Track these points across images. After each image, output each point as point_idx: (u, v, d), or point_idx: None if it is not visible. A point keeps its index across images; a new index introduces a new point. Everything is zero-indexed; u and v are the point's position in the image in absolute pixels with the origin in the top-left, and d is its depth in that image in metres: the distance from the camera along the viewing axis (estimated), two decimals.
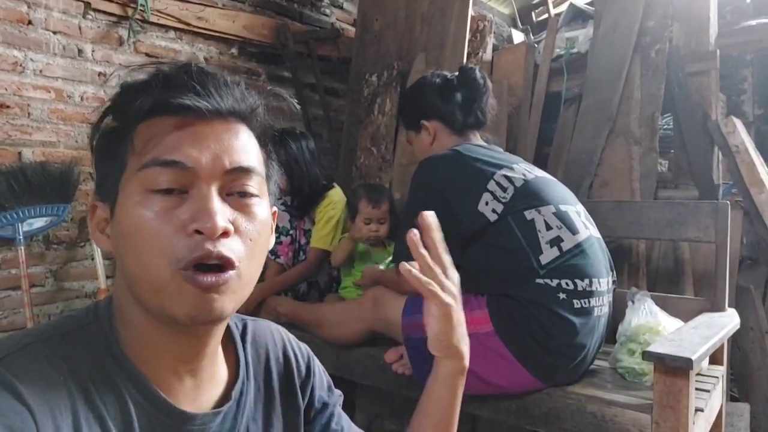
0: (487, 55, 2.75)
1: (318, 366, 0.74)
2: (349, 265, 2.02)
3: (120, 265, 0.55)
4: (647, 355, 1.07)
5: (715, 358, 1.44)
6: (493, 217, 1.31)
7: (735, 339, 1.81)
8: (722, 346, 1.44)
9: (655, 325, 1.32)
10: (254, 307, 1.92)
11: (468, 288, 1.38)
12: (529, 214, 1.31)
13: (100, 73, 2.23)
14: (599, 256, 1.33)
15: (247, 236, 0.54)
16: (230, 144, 0.54)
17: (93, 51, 2.21)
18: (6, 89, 1.98)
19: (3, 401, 0.46)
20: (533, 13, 4.45)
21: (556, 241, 1.29)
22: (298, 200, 2.09)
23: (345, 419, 0.76)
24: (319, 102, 3.02)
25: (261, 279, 2.10)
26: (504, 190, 1.34)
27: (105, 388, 0.52)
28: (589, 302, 1.26)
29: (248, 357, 0.67)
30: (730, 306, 1.55)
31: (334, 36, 3.11)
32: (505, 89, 2.48)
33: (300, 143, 2.09)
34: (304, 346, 0.75)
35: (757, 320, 1.78)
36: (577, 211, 1.38)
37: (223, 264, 0.51)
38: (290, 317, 1.82)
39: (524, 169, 1.40)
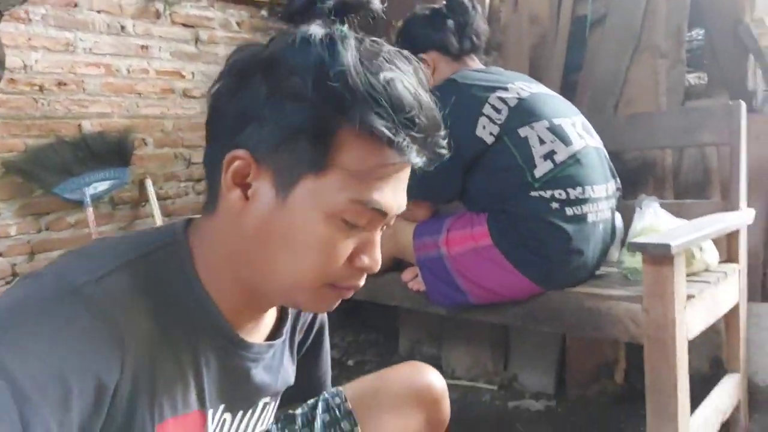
0: None
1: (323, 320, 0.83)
2: None
3: (251, 238, 0.55)
4: (631, 247, 1.12)
5: (730, 256, 1.45)
6: (490, 140, 1.37)
7: None
8: (736, 244, 1.44)
9: (657, 226, 1.34)
10: None
11: (471, 208, 1.47)
12: (523, 132, 1.36)
13: (142, 46, 2.43)
14: (595, 164, 1.37)
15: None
16: (405, 187, 0.59)
17: (134, 26, 2.41)
18: (62, 68, 2.23)
19: (100, 333, 0.48)
20: None
21: (549, 155, 1.33)
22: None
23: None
24: None
25: None
26: (498, 111, 1.38)
27: (177, 313, 0.55)
28: (581, 209, 1.30)
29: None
30: (755, 207, 1.53)
31: None
32: (525, 19, 2.45)
33: None
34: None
35: None
36: (572, 122, 1.41)
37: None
38: None
39: (519, 87, 1.44)
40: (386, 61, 0.53)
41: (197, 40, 2.60)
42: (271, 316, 0.68)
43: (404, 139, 0.51)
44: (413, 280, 1.57)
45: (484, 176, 1.40)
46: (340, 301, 0.60)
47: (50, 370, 0.44)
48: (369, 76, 0.50)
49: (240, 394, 0.64)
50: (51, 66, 2.19)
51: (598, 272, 1.44)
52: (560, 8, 2.49)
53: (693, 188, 1.89)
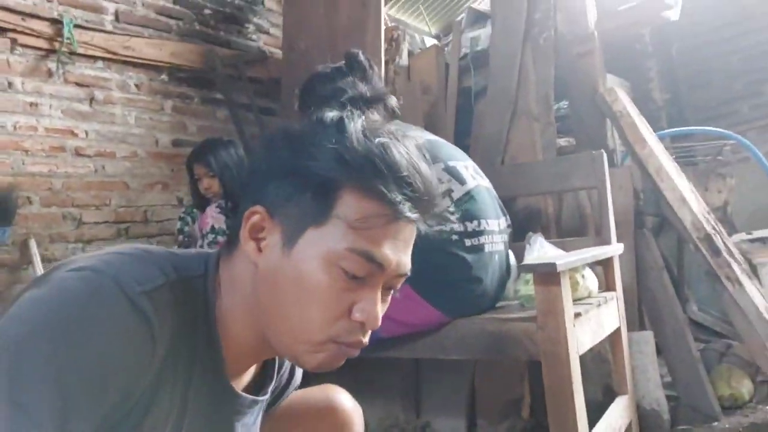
0: (404, 60, 2.98)
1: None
2: None
3: (264, 290, 0.59)
4: (523, 268, 1.24)
5: (608, 285, 1.63)
6: None
7: (641, 279, 2.01)
8: (612, 273, 1.63)
9: (544, 255, 1.49)
10: None
11: None
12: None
13: (31, 103, 2.33)
14: (487, 201, 1.51)
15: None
16: (409, 250, 0.62)
17: (23, 83, 2.31)
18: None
19: (140, 331, 0.52)
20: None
21: (446, 193, 1.46)
22: (233, 202, 2.22)
23: None
24: (254, 121, 3.17)
25: None
26: None
27: (187, 346, 0.58)
28: (479, 240, 1.42)
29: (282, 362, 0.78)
30: (624, 244, 1.74)
31: (261, 58, 3.30)
32: (417, 88, 2.70)
33: (228, 150, 2.24)
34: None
35: (653, 259, 1.99)
36: (465, 165, 1.56)
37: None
38: None
39: (415, 135, 1.57)
40: (387, 133, 0.61)
41: (92, 99, 2.54)
42: (251, 370, 0.70)
43: (397, 196, 0.57)
44: None
45: None
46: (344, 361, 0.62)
47: (98, 371, 0.48)
48: (368, 142, 0.58)
49: None
50: None
51: (497, 304, 1.55)
52: (448, 80, 2.78)
53: (573, 231, 2.12)
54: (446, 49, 2.92)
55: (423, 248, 1.41)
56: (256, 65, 3.25)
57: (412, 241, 0.62)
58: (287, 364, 0.80)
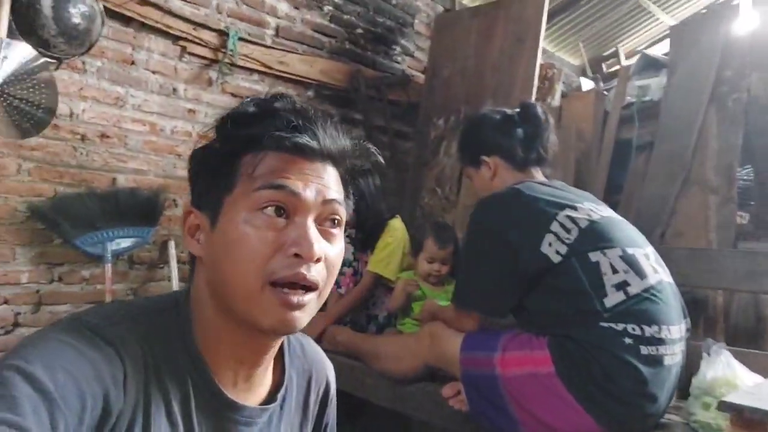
0: (556, 101, 2.78)
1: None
2: (408, 307, 2.03)
3: (210, 270, 0.62)
4: (723, 406, 1.01)
5: None
6: (556, 259, 1.30)
7: None
8: None
9: (732, 378, 1.24)
10: (315, 337, 1.97)
11: (529, 328, 1.37)
12: (594, 256, 1.29)
13: (189, 110, 2.43)
14: (671, 302, 1.28)
15: (330, 263, 0.61)
16: (327, 181, 0.62)
17: (185, 90, 2.42)
18: (107, 121, 2.20)
19: (105, 350, 0.55)
20: (603, 65, 4.45)
21: (622, 285, 1.25)
22: (362, 233, 2.15)
23: None
24: (387, 144, 3.12)
25: (322, 309, 2.15)
26: (568, 231, 1.32)
27: (172, 370, 0.60)
28: (658, 350, 1.21)
29: (294, 368, 0.74)
30: None
31: (404, 82, 3.24)
32: (573, 134, 2.48)
33: (367, 179, 2.17)
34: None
35: None
36: (645, 254, 1.34)
37: (309, 286, 0.58)
38: (348, 347, 1.84)
39: (589, 209, 1.39)
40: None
41: None
42: (267, 381, 0.69)
43: (280, 132, 0.59)
44: (455, 397, 1.44)
45: (545, 296, 1.32)
46: (296, 314, 0.59)
47: (73, 383, 0.50)
48: (244, 104, 0.64)
49: None
50: (97, 117, 2.17)
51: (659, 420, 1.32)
52: (605, 129, 2.53)
53: (744, 333, 1.81)
54: (606, 94, 2.67)
55: (587, 345, 1.26)
56: (397, 88, 3.20)
57: (332, 178, 0.63)
58: (308, 373, 0.77)
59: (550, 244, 1.31)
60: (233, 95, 2.57)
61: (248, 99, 0.65)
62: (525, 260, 1.33)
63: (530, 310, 1.36)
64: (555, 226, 1.33)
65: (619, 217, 1.45)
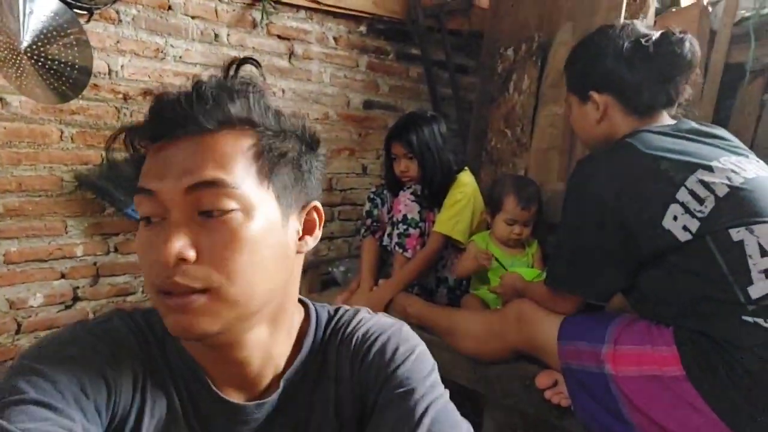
0: (649, 20, 2.37)
1: (386, 346, 0.64)
2: (482, 275, 1.82)
3: None
4: None
5: None
6: (684, 237, 1.04)
7: None
8: None
9: None
10: (382, 306, 1.82)
11: (645, 314, 1.14)
12: (737, 234, 1.01)
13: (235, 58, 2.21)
14: None
15: (219, 257, 0.52)
16: (195, 161, 0.52)
17: (228, 35, 2.20)
18: (149, 76, 2.03)
19: (98, 346, 0.56)
20: None
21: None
22: (429, 189, 1.93)
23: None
24: (449, 80, 2.83)
25: (387, 274, 1.99)
26: (701, 201, 1.04)
27: (168, 367, 0.59)
28: None
29: (318, 343, 0.65)
30: None
31: (465, 7, 2.88)
32: None
33: (432, 127, 1.93)
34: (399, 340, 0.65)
35: None
36: None
37: (187, 290, 0.51)
38: (421, 320, 1.68)
39: (730, 168, 1.08)
40: None
41: (291, 53, 2.37)
42: (268, 374, 0.62)
43: (138, 130, 0.55)
44: (552, 388, 1.26)
45: (668, 278, 1.07)
46: (187, 317, 0.52)
47: (72, 372, 0.52)
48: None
49: None
50: (138, 73, 2.00)
51: None
52: (711, 52, 2.14)
53: None
54: (712, 9, 2.24)
55: (729, 348, 0.92)
56: (458, 15, 2.85)
57: (210, 153, 0.53)
58: (348, 350, 0.65)
59: (675, 218, 1.05)
60: (280, 37, 2.33)
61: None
62: (641, 238, 1.08)
63: (647, 293, 1.13)
64: (683, 195, 1.05)
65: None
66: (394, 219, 1.96)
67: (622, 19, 2.22)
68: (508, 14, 2.71)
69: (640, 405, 1.05)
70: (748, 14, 2.08)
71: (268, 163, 0.56)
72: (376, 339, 0.64)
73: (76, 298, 1.94)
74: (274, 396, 0.61)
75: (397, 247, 1.91)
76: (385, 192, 2.12)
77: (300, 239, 0.61)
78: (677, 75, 1.19)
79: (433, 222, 1.95)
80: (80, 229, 1.92)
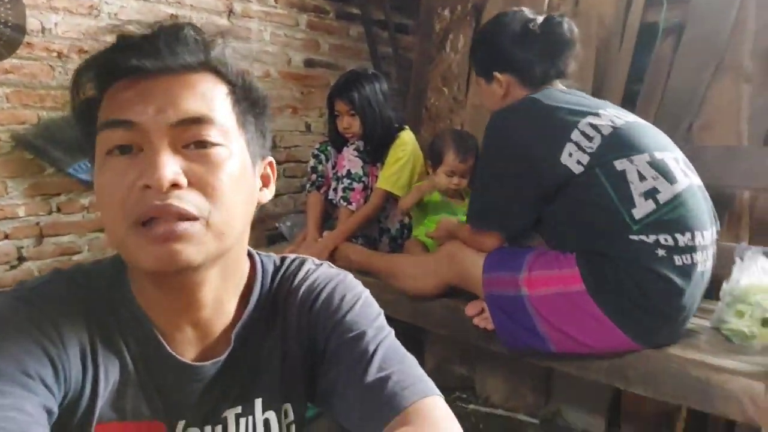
0: None
1: (333, 295, 0.65)
2: (422, 215, 1.96)
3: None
4: None
5: None
6: (578, 169, 1.21)
7: None
8: None
9: (766, 284, 1.20)
10: (327, 255, 1.92)
11: (552, 244, 1.31)
12: (620, 164, 1.19)
13: (171, 15, 2.20)
14: (702, 206, 1.21)
15: (209, 186, 0.53)
16: (179, 96, 0.53)
17: None
18: (84, 34, 2.00)
19: (35, 317, 0.53)
20: None
21: (651, 193, 1.17)
22: (371, 145, 2.03)
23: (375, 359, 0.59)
24: (389, 39, 2.89)
25: (332, 227, 2.10)
26: (590, 139, 1.22)
27: (119, 328, 0.58)
28: (691, 258, 1.15)
29: (265, 296, 0.65)
30: None
31: None
32: (594, 21, 2.26)
33: (373, 85, 2.01)
34: (336, 282, 0.67)
35: None
36: (675, 158, 1.25)
37: (179, 215, 0.51)
38: (363, 266, 1.81)
39: (613, 115, 1.28)
40: None
41: (231, 12, 2.37)
42: (226, 321, 0.62)
43: (109, 59, 0.54)
44: (479, 315, 1.42)
45: (568, 208, 1.25)
46: (173, 246, 0.51)
47: (9, 354, 0.50)
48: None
49: (197, 409, 0.61)
50: (71, 30, 1.97)
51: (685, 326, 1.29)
52: (628, 12, 2.30)
53: None
54: None
55: (618, 260, 1.20)
56: None
57: (192, 90, 0.54)
58: (296, 298, 0.66)
59: (570, 154, 1.22)
60: None
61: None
62: (544, 173, 1.25)
63: (553, 225, 1.30)
64: (576, 135, 1.23)
65: (645, 122, 1.33)
66: (339, 174, 2.05)
67: None
68: None
69: (551, 319, 1.23)
70: None
71: (241, 113, 0.58)
72: (322, 289, 0.65)
73: (21, 258, 1.94)
74: (225, 354, 0.61)
75: (342, 201, 2.02)
76: (329, 148, 2.20)
77: (259, 190, 0.63)
78: (561, 51, 1.39)
79: (376, 177, 2.06)
80: (20, 190, 1.91)
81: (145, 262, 0.52)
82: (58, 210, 2.01)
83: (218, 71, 0.57)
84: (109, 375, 0.56)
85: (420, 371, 0.59)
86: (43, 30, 1.90)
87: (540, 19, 1.41)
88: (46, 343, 0.52)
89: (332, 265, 0.71)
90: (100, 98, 0.55)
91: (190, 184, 0.52)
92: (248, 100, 0.59)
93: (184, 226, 0.51)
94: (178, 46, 0.54)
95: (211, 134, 0.53)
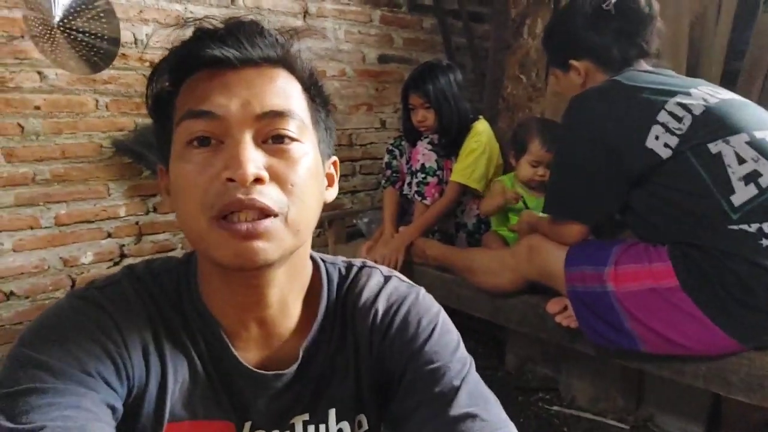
0: None
1: (408, 320, 0.63)
2: (503, 215, 1.90)
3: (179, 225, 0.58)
4: None
5: None
6: (666, 153, 1.12)
7: None
8: None
9: None
10: (403, 250, 1.92)
11: (643, 236, 1.23)
12: (715, 147, 1.09)
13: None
14: None
15: (288, 182, 0.52)
16: (262, 89, 0.53)
17: None
18: (173, 43, 2.11)
19: (96, 317, 0.54)
20: None
21: (752, 177, 1.06)
22: (446, 138, 2.00)
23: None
24: (463, 29, 2.84)
25: (408, 222, 2.09)
26: (679, 120, 1.13)
27: (186, 328, 0.58)
28: None
29: (333, 309, 0.64)
30: None
31: None
32: None
33: (448, 77, 1.98)
34: (406, 298, 0.65)
35: None
36: None
37: (261, 211, 0.50)
38: (440, 261, 1.79)
39: (706, 93, 1.17)
40: None
41: (306, 12, 2.42)
42: (292, 323, 0.62)
43: (192, 48, 0.54)
44: (562, 313, 1.36)
45: (657, 196, 1.16)
46: (254, 243, 0.51)
47: (69, 353, 0.50)
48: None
49: (264, 414, 0.60)
50: (162, 40, 2.09)
51: None
52: None
53: None
54: None
55: (716, 252, 1.10)
56: None
57: (273, 84, 0.54)
58: (365, 311, 0.64)
59: (657, 138, 1.13)
60: None
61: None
62: (628, 158, 1.17)
63: (641, 214, 1.21)
64: (663, 116, 1.14)
65: (743, 99, 1.21)
66: (413, 168, 2.04)
67: None
68: None
69: (641, 317, 1.15)
70: None
71: (314, 110, 0.58)
72: (396, 311, 0.63)
73: (122, 255, 2.10)
74: (294, 367, 0.60)
75: (416, 196, 2.01)
76: (403, 143, 2.20)
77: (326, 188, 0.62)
78: (641, 29, 1.29)
79: (451, 170, 2.03)
80: (121, 191, 2.07)
81: (225, 258, 0.51)
82: (155, 210, 2.16)
83: (294, 68, 0.57)
84: (178, 374, 0.57)
85: (504, 414, 0.57)
86: (136, 41, 2.04)
87: None
88: (107, 341, 0.52)
89: (403, 277, 0.69)
90: (177, 90, 0.55)
91: (270, 179, 0.51)
92: (320, 98, 0.60)
93: (266, 223, 0.51)
94: (259, 39, 0.54)
95: (291, 129, 0.53)
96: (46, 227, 1.96)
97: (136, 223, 2.12)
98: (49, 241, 1.97)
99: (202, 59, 0.53)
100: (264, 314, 0.59)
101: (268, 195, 0.51)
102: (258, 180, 0.50)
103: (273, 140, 0.53)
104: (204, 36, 0.54)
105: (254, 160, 0.50)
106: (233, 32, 0.53)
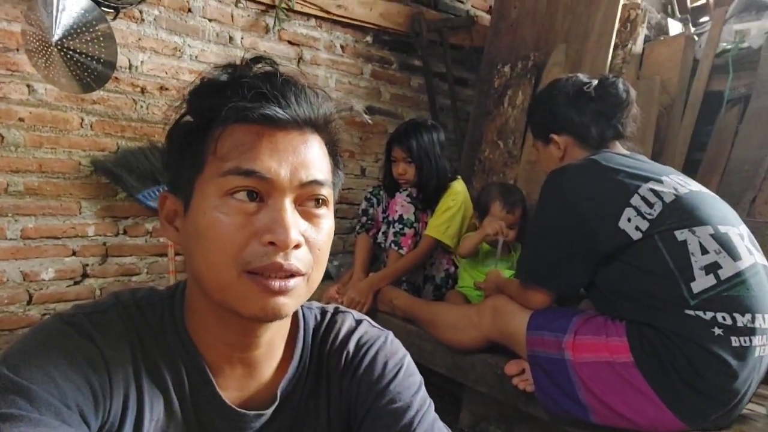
0: (637, 47, 2.52)
1: (375, 361, 0.66)
2: (473, 261, 1.96)
3: (186, 258, 0.58)
4: None
5: None
6: (636, 235, 1.19)
7: None
8: None
9: None
10: (371, 295, 1.95)
11: (603, 310, 1.28)
12: (681, 235, 1.16)
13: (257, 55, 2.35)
14: (765, 288, 1.15)
15: (315, 246, 0.56)
16: (306, 157, 0.55)
17: (242, 38, 2.34)
18: (166, 72, 2.17)
19: (83, 346, 0.54)
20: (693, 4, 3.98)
21: (712, 268, 1.13)
22: (424, 193, 2.07)
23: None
24: (448, 91, 2.97)
25: (378, 269, 2.12)
26: (650, 205, 1.20)
27: (168, 362, 0.58)
28: (750, 341, 1.10)
29: (308, 351, 0.66)
30: None
31: (468, 24, 3.03)
32: (656, 86, 2.25)
33: (431, 135, 2.06)
34: (374, 340, 0.68)
35: None
36: (740, 233, 1.20)
37: (293, 272, 0.53)
38: (405, 312, 1.81)
39: (676, 182, 1.25)
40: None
41: (300, 59, 2.51)
42: (273, 363, 0.64)
43: (242, 103, 0.53)
44: (519, 375, 1.39)
45: (622, 274, 1.22)
46: (280, 299, 0.54)
47: (51, 381, 0.50)
48: (210, 79, 0.57)
49: None
50: (156, 69, 2.14)
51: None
52: (693, 80, 2.28)
53: None
54: (696, 39, 2.39)
55: (671, 335, 1.16)
56: (460, 32, 3.00)
57: (313, 151, 0.56)
58: (337, 352, 0.67)
59: (629, 220, 1.20)
60: (290, 43, 2.48)
61: (223, 65, 0.57)
62: (600, 236, 1.23)
63: (604, 290, 1.27)
64: (636, 200, 1.21)
65: (710, 192, 1.30)
66: (390, 218, 2.09)
67: (612, 44, 2.38)
68: (507, 33, 2.86)
69: (594, 389, 1.19)
70: (728, 46, 2.22)
71: (334, 172, 0.61)
72: (365, 353, 0.66)
73: (84, 275, 2.06)
74: (271, 408, 0.62)
75: (393, 245, 2.05)
76: (381, 192, 2.26)
77: None
78: (617, 111, 1.40)
79: (426, 223, 2.08)
80: (93, 211, 2.05)
81: (250, 310, 0.53)
82: (125, 232, 2.14)
83: (327, 132, 0.59)
84: (154, 412, 0.57)
85: None
86: (130, 67, 2.08)
87: (595, 82, 1.43)
88: (91, 374, 0.52)
89: (373, 322, 0.73)
90: (206, 130, 0.55)
91: (303, 244, 0.55)
92: (338, 158, 0.62)
93: (294, 282, 0.54)
94: (303, 98, 0.55)
95: (324, 194, 0.57)
96: (11, 239, 1.92)
97: (104, 243, 2.09)
98: (12, 254, 1.93)
99: (252, 115, 0.53)
100: (252, 354, 0.61)
101: (300, 259, 0.54)
102: (296, 246, 0.53)
103: (310, 203, 0.56)
104: (252, 87, 0.53)
105: (296, 226, 0.53)
106: (282, 90, 0.54)
